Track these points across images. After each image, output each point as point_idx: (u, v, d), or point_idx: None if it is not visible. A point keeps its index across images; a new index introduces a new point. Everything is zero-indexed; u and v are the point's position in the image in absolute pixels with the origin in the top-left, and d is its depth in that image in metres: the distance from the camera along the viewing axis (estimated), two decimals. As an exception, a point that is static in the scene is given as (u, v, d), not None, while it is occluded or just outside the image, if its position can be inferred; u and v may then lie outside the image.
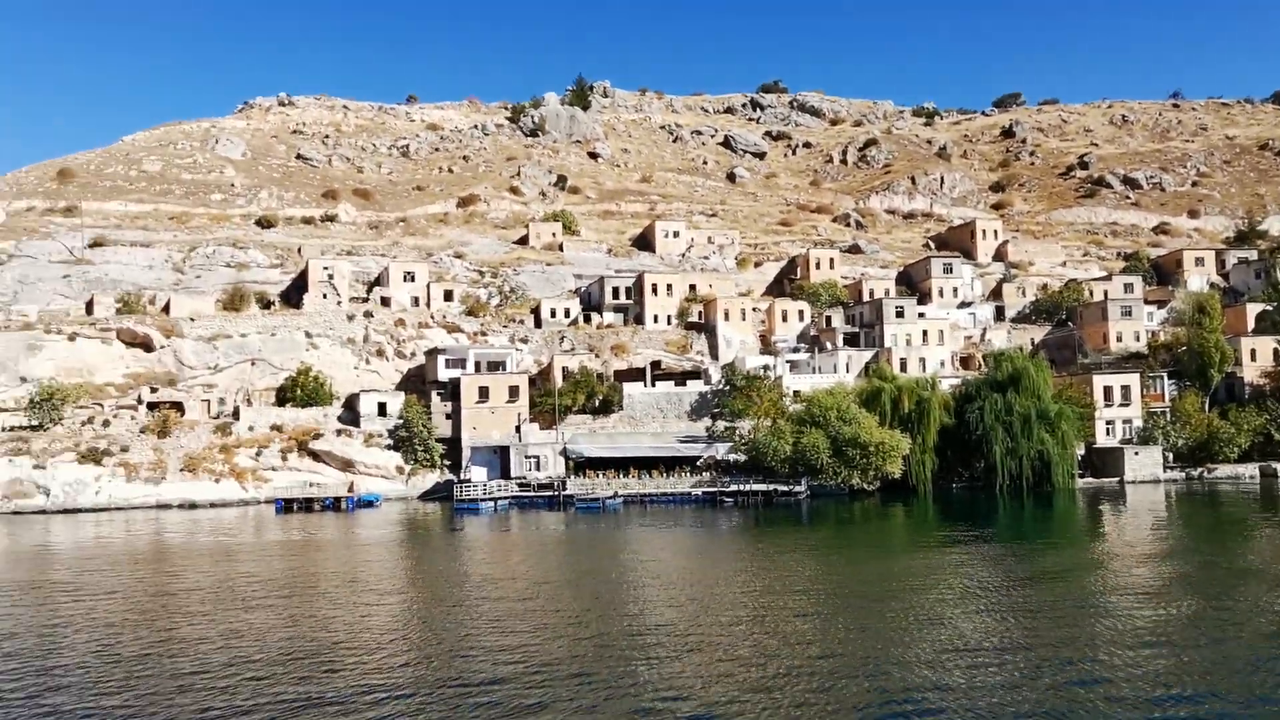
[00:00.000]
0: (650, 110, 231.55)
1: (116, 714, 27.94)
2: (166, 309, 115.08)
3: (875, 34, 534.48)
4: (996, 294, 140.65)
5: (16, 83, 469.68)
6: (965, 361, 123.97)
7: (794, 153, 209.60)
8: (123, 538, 73.28)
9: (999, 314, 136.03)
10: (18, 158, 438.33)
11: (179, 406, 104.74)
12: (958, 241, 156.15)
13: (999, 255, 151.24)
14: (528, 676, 30.63)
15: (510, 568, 55.22)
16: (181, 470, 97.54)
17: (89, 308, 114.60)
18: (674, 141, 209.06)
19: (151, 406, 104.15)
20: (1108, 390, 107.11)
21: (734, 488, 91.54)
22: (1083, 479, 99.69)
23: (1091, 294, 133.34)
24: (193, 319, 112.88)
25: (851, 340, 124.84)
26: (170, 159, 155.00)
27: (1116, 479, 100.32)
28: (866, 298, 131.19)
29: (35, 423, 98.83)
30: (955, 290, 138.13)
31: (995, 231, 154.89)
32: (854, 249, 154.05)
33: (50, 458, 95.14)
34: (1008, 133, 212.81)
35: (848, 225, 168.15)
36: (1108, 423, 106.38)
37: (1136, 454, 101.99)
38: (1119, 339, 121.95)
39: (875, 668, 31.43)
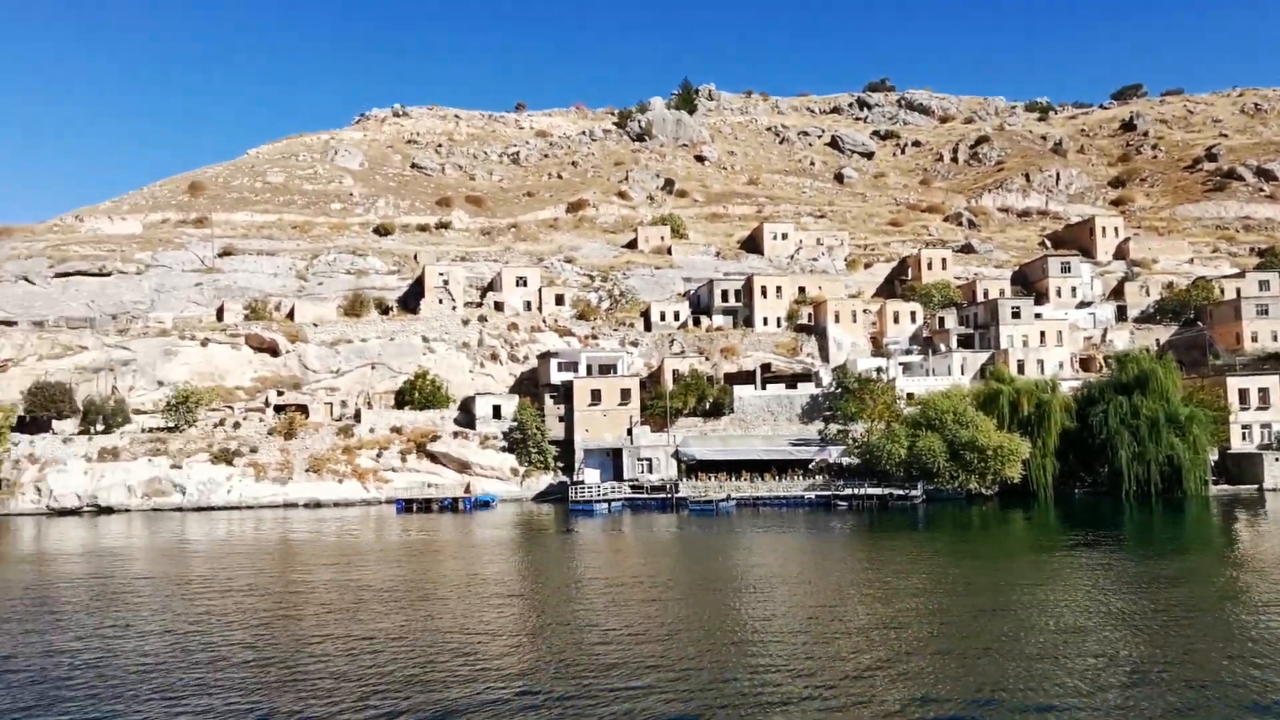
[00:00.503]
0: (756, 112, 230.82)
1: (263, 703, 29.20)
2: (291, 315, 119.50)
3: (985, 29, 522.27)
4: (1118, 293, 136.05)
5: (152, 101, 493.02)
6: (1085, 363, 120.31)
7: (903, 152, 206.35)
8: (256, 535, 76.28)
9: (1121, 314, 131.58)
10: (153, 172, 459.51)
11: (304, 409, 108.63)
12: (1075, 239, 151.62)
13: (1120, 253, 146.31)
14: (654, 680, 30.94)
15: (629, 570, 55.79)
16: (307, 471, 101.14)
17: (219, 314, 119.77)
18: (780, 143, 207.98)
19: (278, 409, 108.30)
20: (1243, 393, 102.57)
21: (848, 491, 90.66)
22: (1216, 486, 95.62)
23: (1222, 292, 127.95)
24: (316, 324, 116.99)
25: (965, 342, 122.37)
26: (292, 170, 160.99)
27: (1255, 486, 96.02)
28: (980, 298, 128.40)
29: (172, 424, 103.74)
30: (1074, 290, 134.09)
31: (1116, 229, 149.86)
32: (966, 249, 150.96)
33: (186, 458, 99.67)
34: (1128, 126, 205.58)
35: (959, 224, 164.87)
36: (1244, 427, 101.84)
37: (1278, 459, 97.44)
38: (1254, 339, 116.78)
39: (1010, 682, 30.84)
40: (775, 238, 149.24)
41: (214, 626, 40.05)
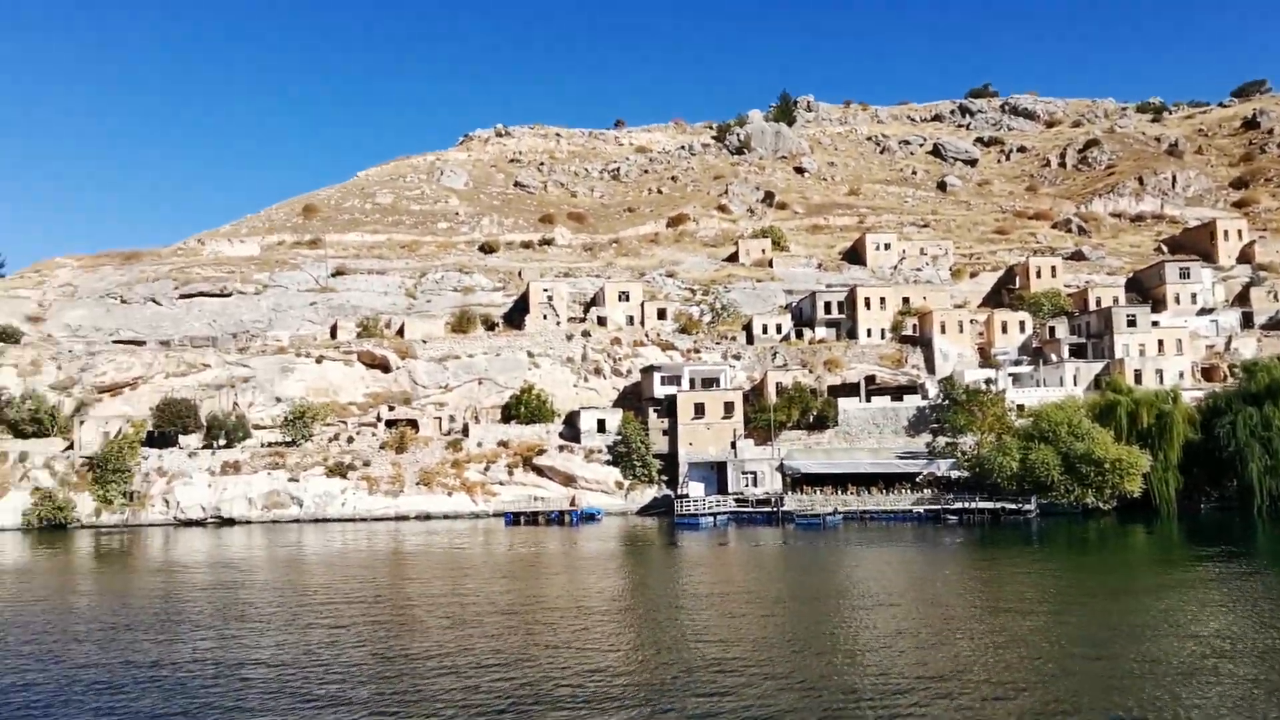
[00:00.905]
0: (855, 122, 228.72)
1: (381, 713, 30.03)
2: (401, 332, 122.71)
3: (1091, 30, 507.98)
4: (1242, 299, 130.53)
5: (269, 126, 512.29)
6: (1208, 373, 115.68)
7: (1007, 158, 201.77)
8: (370, 547, 78.32)
9: (1246, 321, 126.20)
10: (269, 195, 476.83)
11: (414, 424, 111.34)
12: (1194, 244, 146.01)
13: (1244, 257, 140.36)
14: (768, 696, 30.84)
15: (740, 583, 55.73)
16: (417, 484, 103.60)
17: (333, 332, 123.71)
18: (881, 152, 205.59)
19: (389, 424, 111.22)
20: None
21: (958, 505, 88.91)
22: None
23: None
24: (425, 341, 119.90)
25: (1078, 351, 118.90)
26: (400, 191, 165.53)
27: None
28: (1093, 306, 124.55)
29: (289, 439, 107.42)
30: (1194, 296, 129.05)
31: (1239, 232, 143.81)
32: (1077, 255, 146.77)
33: (303, 471, 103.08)
34: (1250, 124, 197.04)
35: (1069, 231, 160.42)
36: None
37: None
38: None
39: (1158, 708, 29.77)
40: (878, 248, 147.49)
41: (334, 636, 41.22)
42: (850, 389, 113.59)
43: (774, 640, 38.57)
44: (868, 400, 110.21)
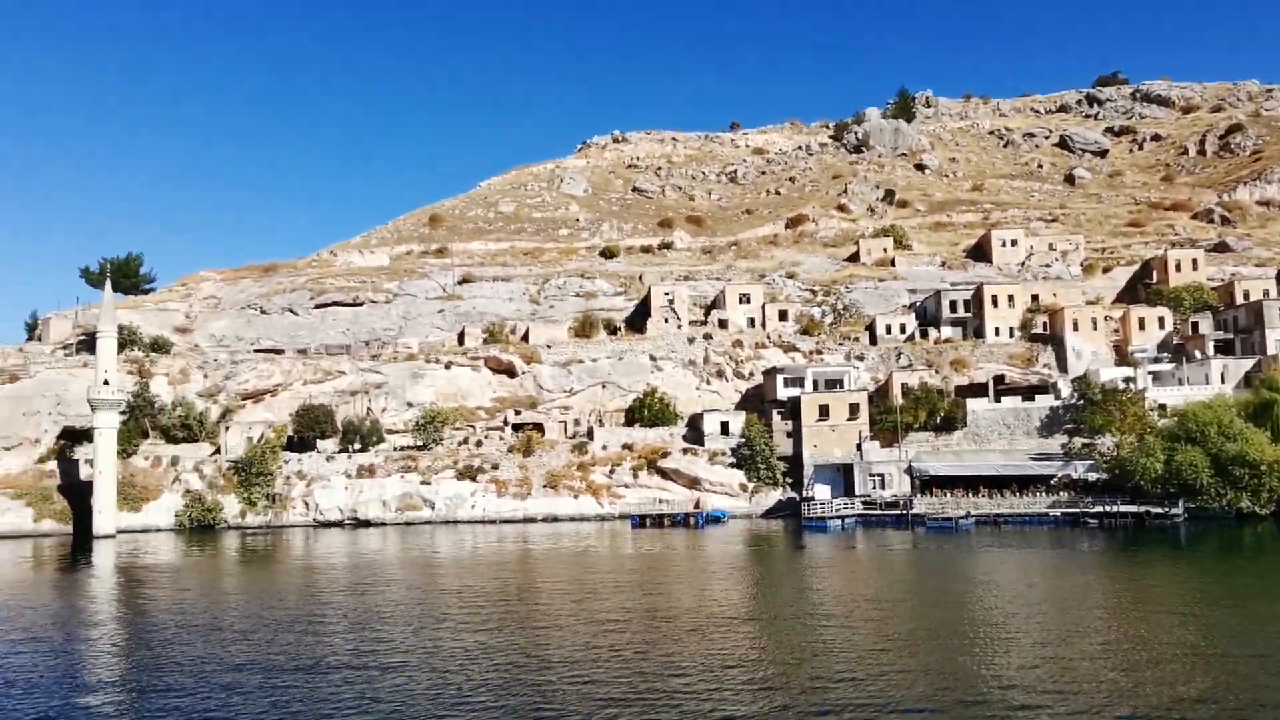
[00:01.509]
0: (977, 116, 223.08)
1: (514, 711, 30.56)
2: (526, 337, 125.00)
3: (1227, 9, 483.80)
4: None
5: (394, 139, 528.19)
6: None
7: (1140, 147, 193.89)
8: (502, 548, 79.78)
9: None
10: (397, 207, 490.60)
11: (539, 427, 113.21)
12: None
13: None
14: (898, 705, 30.28)
15: (872, 587, 54.93)
16: (544, 487, 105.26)
17: (460, 338, 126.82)
18: (1004, 146, 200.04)
19: (516, 428, 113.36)
20: None
21: (1098, 509, 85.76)
22: None
23: None
24: (549, 346, 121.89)
25: (1224, 348, 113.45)
26: (522, 200, 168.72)
27: None
28: (1240, 300, 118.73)
29: (420, 443, 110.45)
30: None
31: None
32: (1220, 247, 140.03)
33: (434, 474, 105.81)
34: None
35: (1210, 222, 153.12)
36: None
37: None
38: None
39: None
40: (1004, 245, 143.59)
41: (466, 634, 42.03)
42: (978, 389, 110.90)
43: (917, 646, 37.87)
44: (997, 401, 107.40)
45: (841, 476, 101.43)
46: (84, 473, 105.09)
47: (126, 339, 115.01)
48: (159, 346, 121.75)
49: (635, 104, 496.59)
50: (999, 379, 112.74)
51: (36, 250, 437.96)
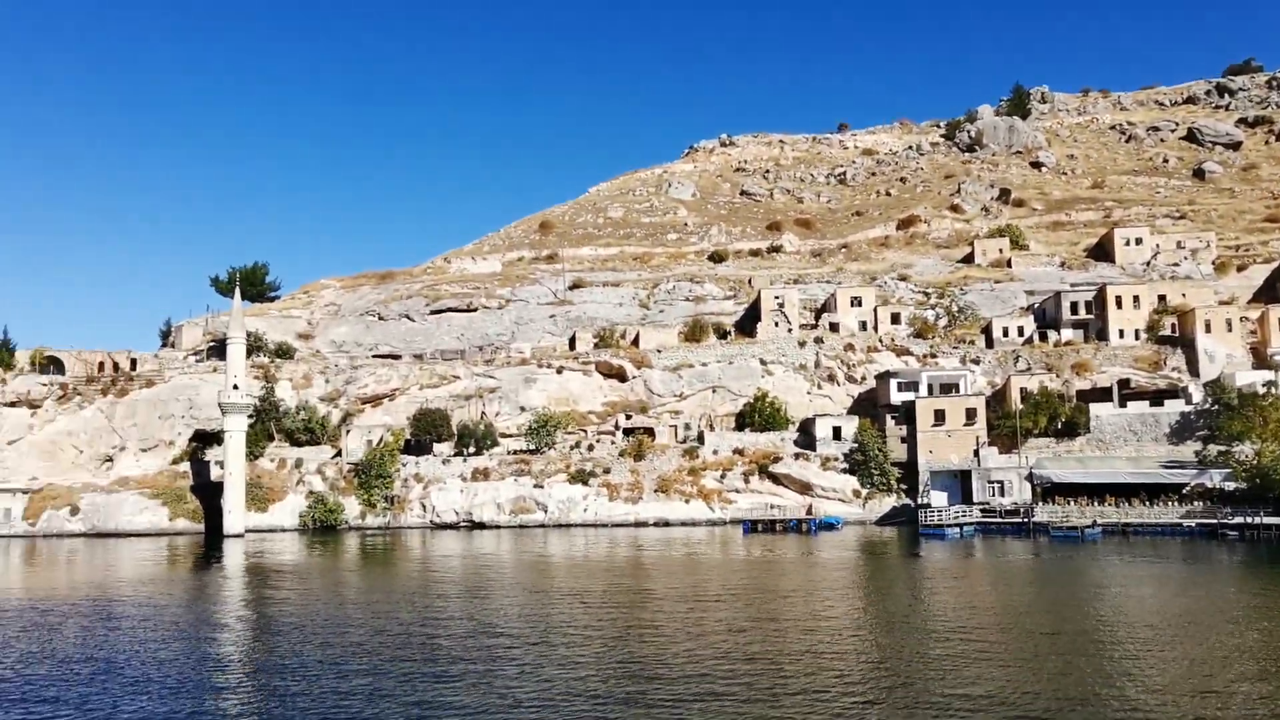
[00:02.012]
0: (1096, 111, 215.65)
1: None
2: (636, 342, 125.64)
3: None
4: None
5: (506, 146, 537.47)
6: None
7: (1278, 139, 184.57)
8: (615, 552, 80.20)
9: None
10: (508, 214, 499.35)
11: (650, 432, 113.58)
12: None
13: None
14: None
15: (995, 597, 53.35)
16: (655, 491, 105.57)
17: (571, 343, 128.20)
18: (1126, 141, 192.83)
19: (627, 432, 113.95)
20: None
21: (1238, 519, 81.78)
22: None
23: None
24: (659, 350, 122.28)
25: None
26: (630, 205, 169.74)
27: None
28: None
29: (533, 447, 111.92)
30: None
31: None
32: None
33: (546, 478, 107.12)
34: None
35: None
36: None
37: None
38: None
39: None
40: (1127, 243, 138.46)
41: (582, 635, 42.34)
42: (1101, 394, 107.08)
43: (1043, 661, 36.62)
44: (1122, 405, 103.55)
45: (958, 483, 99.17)
46: (214, 474, 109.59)
47: (253, 345, 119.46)
48: (283, 352, 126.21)
49: (742, 107, 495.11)
50: (1124, 383, 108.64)
51: (170, 260, 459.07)
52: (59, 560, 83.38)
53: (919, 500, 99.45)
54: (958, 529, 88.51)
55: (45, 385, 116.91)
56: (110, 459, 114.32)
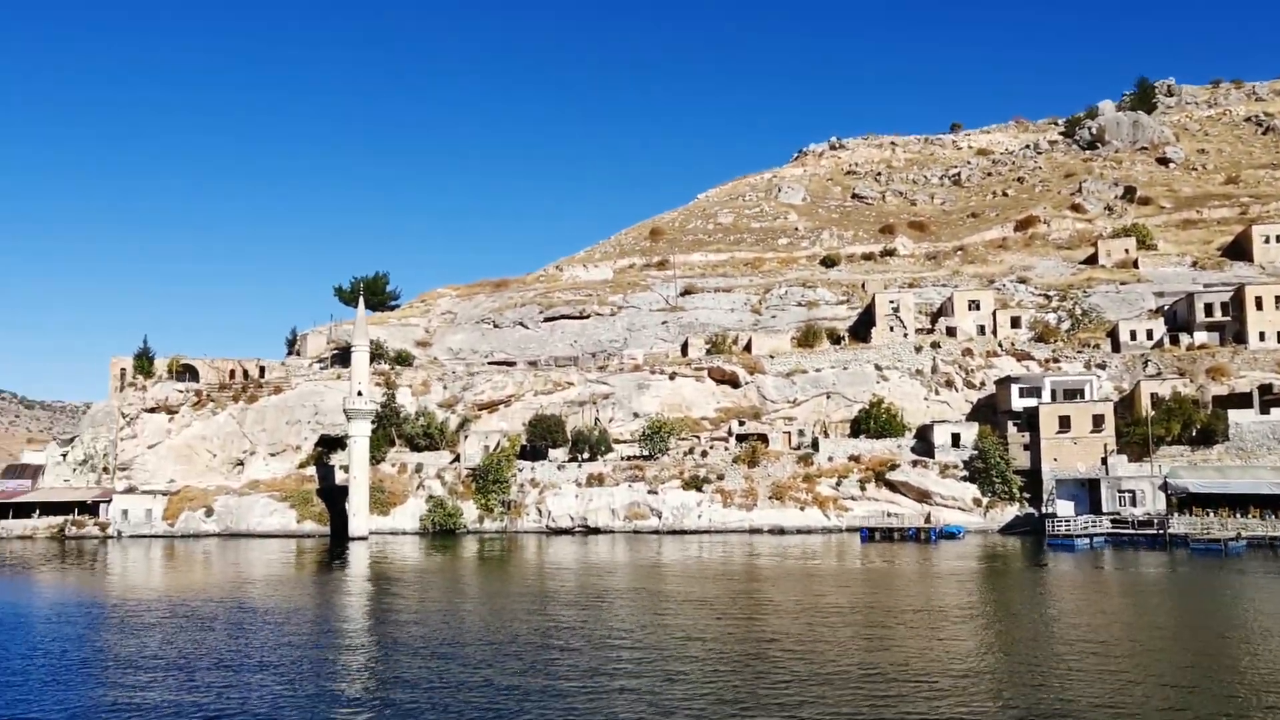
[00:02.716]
0: (1228, 102, 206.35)
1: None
2: (748, 348, 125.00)
3: None
4: None
5: (615, 155, 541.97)
6: None
7: None
8: (733, 559, 79.76)
9: None
10: (618, 221, 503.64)
11: (763, 438, 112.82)
12: None
13: None
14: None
15: (1139, 614, 51.34)
16: (770, 498, 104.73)
17: (684, 349, 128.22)
18: (1263, 133, 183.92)
19: (740, 438, 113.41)
20: None
21: (1395, 533, 77.11)
22: None
23: None
24: (772, 356, 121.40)
25: None
26: (739, 210, 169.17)
27: None
28: None
29: (647, 453, 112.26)
30: None
31: None
32: None
33: (660, 484, 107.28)
34: None
35: None
36: None
37: None
38: None
39: None
40: (1267, 241, 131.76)
41: (693, 642, 42.20)
42: (1240, 400, 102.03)
43: (1198, 685, 35.07)
44: (1264, 412, 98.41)
45: (1086, 492, 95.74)
46: (338, 478, 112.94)
47: (374, 353, 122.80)
48: (402, 359, 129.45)
49: (852, 110, 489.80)
50: (1265, 388, 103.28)
51: (295, 271, 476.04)
52: (195, 559, 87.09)
53: (1043, 510, 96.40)
54: (1087, 540, 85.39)
55: (181, 392, 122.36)
56: (241, 463, 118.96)
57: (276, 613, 53.25)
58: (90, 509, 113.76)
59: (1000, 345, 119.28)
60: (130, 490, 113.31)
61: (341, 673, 37.83)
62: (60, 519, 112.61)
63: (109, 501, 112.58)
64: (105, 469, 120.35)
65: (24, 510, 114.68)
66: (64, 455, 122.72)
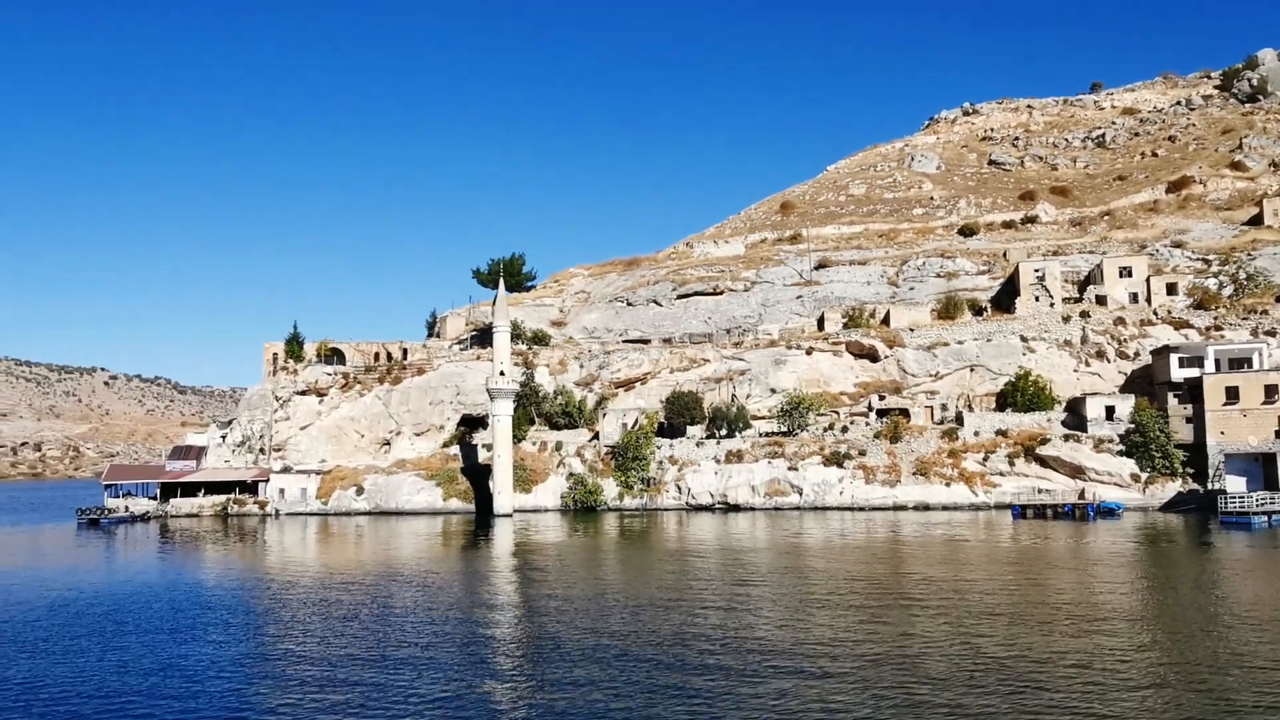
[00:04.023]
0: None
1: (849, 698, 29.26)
2: (886, 321, 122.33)
3: None
4: None
5: (743, 129, 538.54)
6: None
7: None
8: (882, 536, 78.25)
9: None
10: (747, 196, 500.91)
11: (905, 413, 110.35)
12: None
13: None
14: None
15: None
16: (914, 474, 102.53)
17: (820, 324, 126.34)
18: None
19: (880, 413, 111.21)
20: None
21: None
22: None
23: None
24: (911, 329, 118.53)
25: None
26: (872, 181, 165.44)
27: None
28: None
29: (785, 429, 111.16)
30: None
31: None
32: None
33: (800, 460, 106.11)
34: None
35: None
36: None
37: None
38: None
39: None
40: None
41: (839, 621, 41.32)
42: None
43: None
44: None
45: (1259, 467, 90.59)
46: (481, 456, 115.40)
47: (513, 333, 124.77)
48: (539, 339, 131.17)
49: (983, 73, 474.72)
50: None
51: (433, 254, 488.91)
52: (349, 536, 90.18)
53: (1209, 485, 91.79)
54: (1265, 517, 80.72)
55: (330, 375, 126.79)
56: (388, 442, 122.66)
57: (433, 587, 55.00)
58: (250, 488, 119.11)
59: (1155, 313, 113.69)
60: (286, 470, 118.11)
61: (482, 657, 38.33)
62: (223, 498, 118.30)
63: (267, 481, 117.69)
64: (261, 450, 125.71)
65: (190, 489, 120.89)
66: (223, 437, 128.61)
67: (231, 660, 37.33)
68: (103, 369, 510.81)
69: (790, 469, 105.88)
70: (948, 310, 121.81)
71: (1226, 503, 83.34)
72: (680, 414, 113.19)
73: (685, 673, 33.05)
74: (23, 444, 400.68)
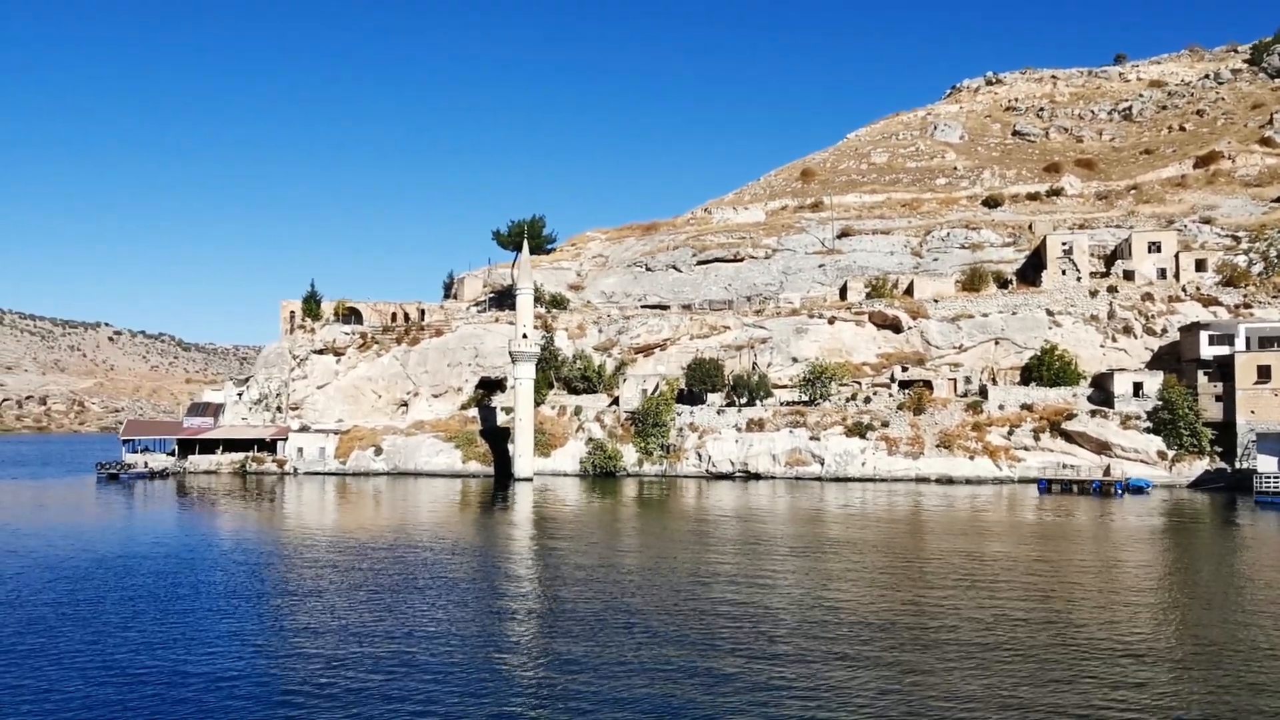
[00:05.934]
0: None
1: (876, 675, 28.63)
2: (909, 291, 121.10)
3: None
4: None
5: (763, 93, 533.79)
6: None
7: None
8: (905, 508, 77.57)
9: None
10: (767, 162, 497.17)
11: (928, 385, 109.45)
12: None
13: None
14: None
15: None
16: (937, 446, 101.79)
17: (842, 293, 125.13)
18: None
19: (903, 385, 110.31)
20: None
21: None
22: None
23: None
24: (935, 300, 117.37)
25: None
26: (894, 149, 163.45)
27: None
28: None
29: (807, 398, 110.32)
30: None
31: None
32: None
33: (822, 430, 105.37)
34: None
35: None
36: None
37: None
38: None
39: None
40: None
41: (856, 594, 40.76)
42: None
43: None
44: None
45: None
46: (500, 419, 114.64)
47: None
48: (557, 303, 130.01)
49: (1006, 42, 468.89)
50: None
51: (450, 214, 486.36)
52: (367, 497, 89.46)
53: (1238, 464, 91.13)
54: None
55: (347, 334, 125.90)
56: (405, 403, 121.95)
57: (459, 551, 54.56)
58: (268, 446, 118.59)
59: (1184, 290, 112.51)
60: (304, 429, 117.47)
61: (513, 616, 37.79)
62: (241, 455, 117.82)
63: (285, 439, 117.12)
64: (279, 408, 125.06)
65: (208, 446, 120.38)
66: (239, 395, 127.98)
67: (271, 629, 36.69)
68: (106, 324, 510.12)
69: (812, 438, 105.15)
70: (972, 282, 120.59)
71: (1262, 482, 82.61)
72: (701, 381, 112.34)
73: (705, 652, 32.21)
74: (28, 397, 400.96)
